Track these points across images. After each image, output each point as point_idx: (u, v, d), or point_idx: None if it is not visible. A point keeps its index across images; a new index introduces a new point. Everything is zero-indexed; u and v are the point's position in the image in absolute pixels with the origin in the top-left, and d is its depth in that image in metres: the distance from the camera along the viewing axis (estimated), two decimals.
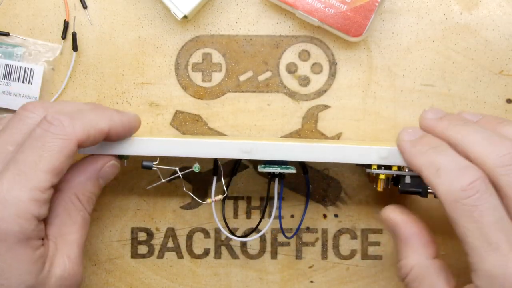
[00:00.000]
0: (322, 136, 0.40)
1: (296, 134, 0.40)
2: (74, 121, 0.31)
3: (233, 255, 0.40)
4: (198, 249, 0.40)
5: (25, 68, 0.38)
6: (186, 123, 0.40)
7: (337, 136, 0.40)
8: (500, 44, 0.39)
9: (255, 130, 0.40)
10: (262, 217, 0.38)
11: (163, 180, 0.36)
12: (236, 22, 0.39)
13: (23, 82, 0.38)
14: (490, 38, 0.39)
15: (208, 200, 0.37)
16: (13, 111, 0.39)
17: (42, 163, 0.30)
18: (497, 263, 0.29)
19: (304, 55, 0.39)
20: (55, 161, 0.30)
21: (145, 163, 0.35)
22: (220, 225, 0.38)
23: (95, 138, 0.32)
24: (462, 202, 0.29)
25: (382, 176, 0.35)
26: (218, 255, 0.40)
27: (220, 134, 0.40)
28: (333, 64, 0.39)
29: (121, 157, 0.36)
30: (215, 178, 0.37)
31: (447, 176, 0.30)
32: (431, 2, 0.39)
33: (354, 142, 0.36)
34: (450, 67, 0.39)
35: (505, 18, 0.39)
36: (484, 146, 0.31)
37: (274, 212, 0.38)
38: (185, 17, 0.37)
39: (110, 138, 0.33)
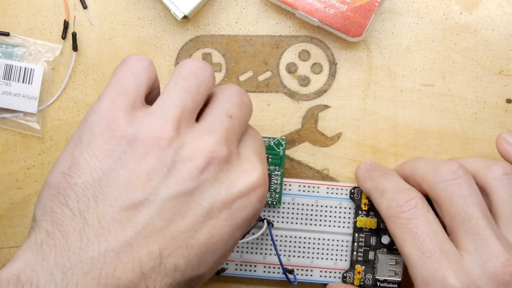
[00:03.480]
0: (322, 136, 0.40)
1: (296, 134, 0.40)
2: None
3: None
4: None
5: (25, 68, 0.38)
6: None
7: (337, 136, 0.40)
8: (500, 44, 0.39)
9: None
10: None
11: None
12: (236, 22, 0.39)
13: (23, 82, 0.38)
14: (490, 38, 0.39)
15: None
16: (13, 111, 0.39)
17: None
18: (430, 270, 0.30)
19: (304, 55, 0.39)
20: None
21: None
22: None
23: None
24: (399, 216, 0.32)
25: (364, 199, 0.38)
26: None
27: None
28: (333, 64, 0.39)
29: None
30: None
31: (388, 196, 0.33)
32: (431, 2, 0.39)
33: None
34: (450, 67, 0.39)
35: (505, 18, 0.39)
36: (427, 168, 0.34)
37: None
38: (185, 17, 0.37)
39: None
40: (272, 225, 0.38)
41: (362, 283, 0.38)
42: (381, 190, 0.34)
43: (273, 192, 0.37)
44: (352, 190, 0.38)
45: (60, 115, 0.39)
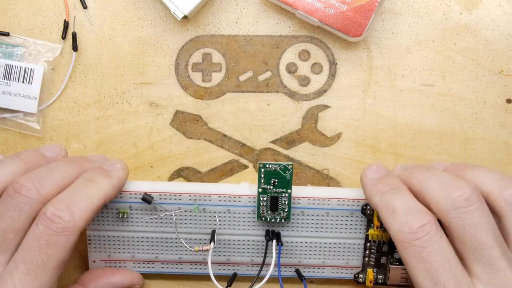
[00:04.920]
0: (322, 136, 0.40)
1: (296, 134, 0.40)
2: (73, 211, 0.32)
3: None
4: None
5: (25, 68, 0.38)
6: (186, 123, 0.40)
7: (337, 136, 0.40)
8: (500, 44, 0.39)
9: (255, 130, 0.40)
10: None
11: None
12: (236, 22, 0.39)
13: (23, 82, 0.38)
14: (490, 38, 0.39)
15: (195, 248, 0.37)
16: (13, 111, 0.39)
17: (50, 261, 0.31)
18: None
19: (304, 55, 0.39)
20: (62, 256, 0.31)
21: (145, 196, 0.37)
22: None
23: (93, 216, 0.33)
24: (411, 243, 0.31)
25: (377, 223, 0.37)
26: None
27: (220, 134, 0.40)
28: (333, 64, 0.39)
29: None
30: (212, 244, 0.37)
31: (400, 218, 0.31)
32: (431, 2, 0.39)
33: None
34: (450, 67, 0.39)
35: (505, 18, 0.39)
36: (438, 189, 0.32)
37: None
38: (185, 17, 0.37)
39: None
40: (282, 245, 0.38)
41: (374, 283, 0.38)
42: (391, 209, 0.32)
43: (281, 211, 0.37)
44: (364, 207, 0.37)
45: (60, 115, 0.40)
